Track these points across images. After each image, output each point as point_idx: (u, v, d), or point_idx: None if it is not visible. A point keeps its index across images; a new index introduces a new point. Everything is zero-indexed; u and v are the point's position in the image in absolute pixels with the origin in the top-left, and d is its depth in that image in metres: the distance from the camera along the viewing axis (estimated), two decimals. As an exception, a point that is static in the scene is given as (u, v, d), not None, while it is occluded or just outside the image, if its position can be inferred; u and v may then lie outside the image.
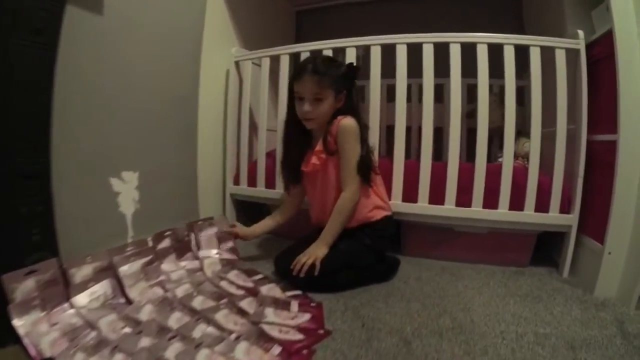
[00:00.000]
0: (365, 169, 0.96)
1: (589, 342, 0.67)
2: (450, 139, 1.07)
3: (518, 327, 0.74)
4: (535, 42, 1.06)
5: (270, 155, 1.38)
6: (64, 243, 0.74)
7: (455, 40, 1.09)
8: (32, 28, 0.64)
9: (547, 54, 1.06)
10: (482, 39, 1.08)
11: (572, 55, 1.04)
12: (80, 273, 0.76)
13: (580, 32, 1.03)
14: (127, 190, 0.90)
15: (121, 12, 0.87)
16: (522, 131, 1.32)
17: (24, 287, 0.65)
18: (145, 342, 0.62)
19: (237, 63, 1.42)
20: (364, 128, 0.99)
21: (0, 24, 0.60)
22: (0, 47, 0.60)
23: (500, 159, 1.25)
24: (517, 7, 1.76)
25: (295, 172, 1.04)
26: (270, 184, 1.34)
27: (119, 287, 0.80)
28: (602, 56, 1.00)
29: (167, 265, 0.94)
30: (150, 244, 0.94)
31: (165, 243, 0.98)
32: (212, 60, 1.33)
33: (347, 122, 0.94)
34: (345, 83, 0.97)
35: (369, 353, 0.63)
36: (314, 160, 0.99)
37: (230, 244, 1.10)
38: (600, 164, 0.99)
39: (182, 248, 1.01)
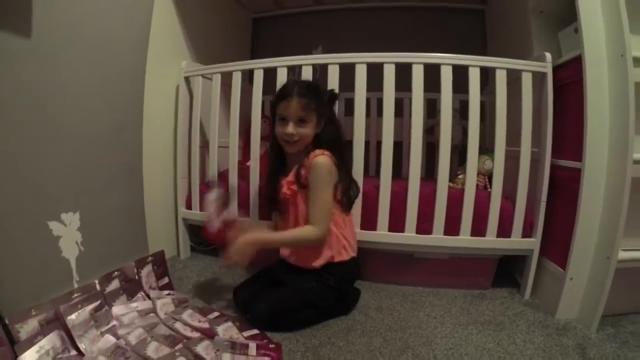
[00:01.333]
0: (345, 201, 1.09)
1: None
2: (410, 167, 1.22)
3: (477, 355, 0.90)
4: (501, 65, 1.21)
5: (222, 175, 1.49)
6: (5, 297, 0.82)
7: (418, 61, 1.23)
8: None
9: (513, 73, 1.23)
10: (447, 60, 1.21)
11: (538, 78, 1.21)
12: (26, 328, 0.84)
13: (548, 55, 1.19)
14: (68, 233, 0.98)
15: (51, 34, 0.92)
16: (482, 147, 1.49)
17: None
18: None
19: (187, 78, 1.49)
20: (344, 162, 1.11)
21: None
22: None
23: (460, 176, 1.42)
24: (481, 22, 1.99)
25: (272, 199, 1.16)
26: None
27: (69, 338, 0.90)
28: (569, 81, 1.15)
29: (117, 308, 1.04)
30: (98, 287, 1.03)
31: (114, 285, 1.07)
32: (159, 76, 1.40)
33: (321, 160, 1.03)
34: (326, 109, 1.10)
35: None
36: (285, 189, 1.09)
37: (172, 283, 1.20)
38: (564, 190, 1.16)
39: (132, 288, 1.10)
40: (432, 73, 1.23)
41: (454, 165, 1.58)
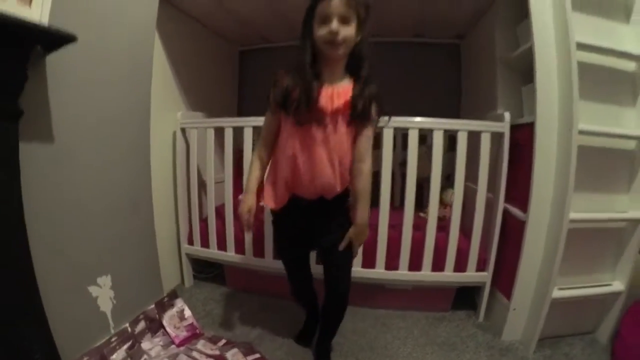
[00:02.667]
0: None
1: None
2: (380, 216, 1.59)
3: None
4: (463, 127, 1.55)
5: (219, 211, 1.83)
6: (61, 348, 1.17)
7: (389, 125, 1.55)
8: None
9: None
10: (415, 125, 1.54)
11: (497, 136, 1.53)
12: None
13: (507, 116, 1.51)
14: (103, 292, 1.33)
15: (70, 136, 1.20)
16: (452, 179, 1.85)
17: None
18: None
19: (182, 129, 1.80)
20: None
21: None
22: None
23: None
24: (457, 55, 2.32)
25: (311, 106, 1.05)
26: (221, 246, 1.81)
27: None
28: (522, 142, 1.48)
29: (145, 344, 1.42)
30: (129, 329, 1.40)
31: (141, 325, 1.45)
32: (158, 126, 1.68)
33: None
34: (365, 18, 1.05)
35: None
36: (337, 103, 1.06)
37: (190, 319, 1.57)
38: (512, 233, 1.51)
39: (154, 327, 1.48)
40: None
41: (425, 197, 1.94)
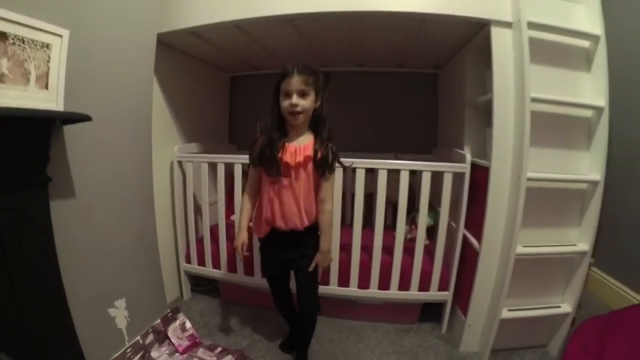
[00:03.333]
0: None
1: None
2: (353, 247, 1.91)
3: None
4: (427, 168, 1.84)
5: (213, 231, 2.16)
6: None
7: (360, 166, 1.85)
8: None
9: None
10: (383, 166, 1.84)
11: (459, 176, 1.82)
12: None
13: (468, 157, 1.79)
14: (120, 313, 1.67)
15: (86, 191, 1.50)
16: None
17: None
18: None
19: (179, 161, 2.10)
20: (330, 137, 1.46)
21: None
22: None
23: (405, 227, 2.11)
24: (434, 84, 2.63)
25: (276, 163, 1.39)
26: (216, 264, 2.15)
27: None
28: (481, 182, 1.76)
29: (154, 353, 1.77)
30: (140, 341, 1.75)
31: (150, 338, 1.79)
32: (157, 158, 1.98)
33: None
34: (321, 87, 1.41)
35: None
36: (299, 157, 1.40)
37: (190, 330, 1.92)
38: (470, 258, 1.82)
39: (161, 338, 1.83)
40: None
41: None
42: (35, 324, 1.29)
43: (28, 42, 1.23)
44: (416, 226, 2.09)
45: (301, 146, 1.43)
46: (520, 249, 1.62)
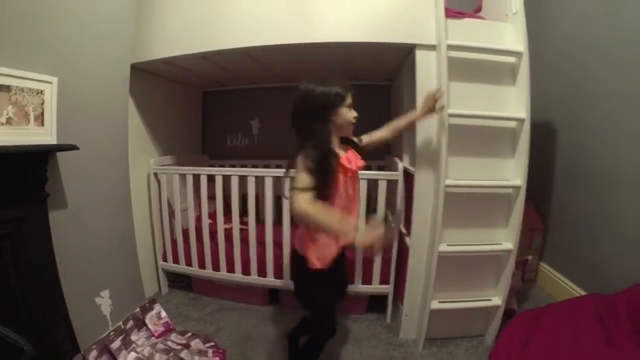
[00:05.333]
0: None
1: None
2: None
3: None
4: (363, 177, 2.37)
5: (185, 233, 2.78)
6: (80, 341, 2.14)
7: None
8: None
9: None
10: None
11: (393, 182, 2.40)
12: (92, 355, 2.19)
13: (401, 166, 2.35)
14: (105, 301, 2.30)
15: (77, 201, 2.14)
16: (369, 208, 2.73)
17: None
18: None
19: (155, 173, 2.72)
20: None
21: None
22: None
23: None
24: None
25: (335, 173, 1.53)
26: (188, 262, 2.78)
27: (113, 357, 2.25)
28: (412, 187, 2.25)
29: (134, 336, 2.40)
30: (122, 326, 2.38)
31: (130, 323, 2.42)
32: (135, 170, 2.61)
33: None
34: None
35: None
36: (359, 163, 1.63)
37: (165, 318, 2.55)
38: (405, 255, 2.34)
39: (139, 324, 2.46)
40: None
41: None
42: (36, 308, 1.89)
43: (26, 91, 1.84)
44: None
45: (347, 154, 1.63)
46: (443, 247, 2.08)
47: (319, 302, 1.75)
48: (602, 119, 2.49)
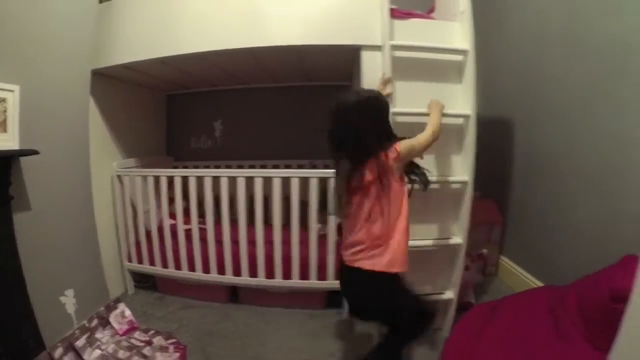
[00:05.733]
0: None
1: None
2: (257, 237, 2.82)
3: (290, 356, 2.39)
4: (295, 175, 2.69)
5: (149, 235, 3.08)
6: (45, 338, 2.44)
7: (276, 175, 2.73)
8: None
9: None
10: (276, 174, 2.72)
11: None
12: (57, 352, 2.50)
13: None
14: (69, 300, 2.57)
15: (40, 204, 2.40)
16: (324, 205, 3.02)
17: (42, 364, 2.39)
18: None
19: (118, 176, 3.03)
20: None
21: None
22: None
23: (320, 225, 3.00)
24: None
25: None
26: (151, 262, 3.04)
27: (77, 355, 2.56)
28: None
29: (98, 334, 2.68)
30: (87, 324, 2.68)
31: (95, 322, 2.72)
32: (101, 172, 2.85)
33: None
34: None
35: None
36: None
37: (129, 317, 2.86)
38: None
39: (104, 322, 2.76)
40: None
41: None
42: (3, 306, 2.09)
43: None
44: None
45: None
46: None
47: (409, 298, 1.91)
48: (556, 115, 2.75)
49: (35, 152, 2.20)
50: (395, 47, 2.24)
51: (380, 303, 1.84)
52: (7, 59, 2.17)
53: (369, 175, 1.71)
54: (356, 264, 1.78)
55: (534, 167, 3.04)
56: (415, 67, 2.31)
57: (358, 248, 1.78)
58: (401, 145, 1.76)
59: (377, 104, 1.80)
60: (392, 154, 1.73)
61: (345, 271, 1.89)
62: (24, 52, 2.27)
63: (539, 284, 2.84)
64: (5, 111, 2.15)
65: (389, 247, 1.74)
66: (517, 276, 3.16)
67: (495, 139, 3.51)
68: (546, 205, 2.89)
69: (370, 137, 1.72)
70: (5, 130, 2.16)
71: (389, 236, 1.74)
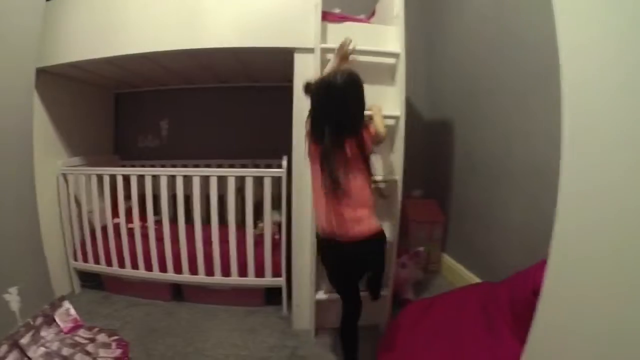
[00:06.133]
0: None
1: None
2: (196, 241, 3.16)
3: (229, 351, 2.68)
4: (249, 174, 3.00)
5: (93, 234, 3.40)
6: None
7: (212, 174, 3.06)
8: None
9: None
10: (214, 173, 3.01)
11: (277, 179, 2.98)
12: (2, 350, 2.82)
13: (284, 163, 2.91)
14: (13, 298, 2.86)
15: None
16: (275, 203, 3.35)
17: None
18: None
19: (63, 174, 3.31)
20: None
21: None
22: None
23: (260, 225, 3.34)
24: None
25: None
26: (96, 260, 3.33)
27: (21, 352, 2.90)
28: None
29: (43, 332, 2.99)
30: (31, 322, 3.00)
31: (40, 320, 3.02)
32: (45, 170, 3.06)
33: None
34: None
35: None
36: None
37: (74, 315, 3.20)
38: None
39: (49, 320, 3.08)
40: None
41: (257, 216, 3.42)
42: None
43: None
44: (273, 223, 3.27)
45: None
46: None
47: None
48: (495, 114, 3.06)
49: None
50: (326, 50, 2.46)
51: (383, 262, 2.33)
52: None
53: (353, 148, 2.05)
54: (367, 233, 2.08)
55: (471, 168, 3.37)
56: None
57: (362, 214, 2.10)
58: (374, 128, 2.22)
59: (360, 83, 2.08)
60: (367, 133, 2.15)
61: (352, 245, 2.10)
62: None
63: (478, 280, 3.18)
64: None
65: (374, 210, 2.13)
66: (458, 273, 3.50)
67: (438, 139, 3.84)
68: (482, 205, 3.22)
69: (359, 113, 2.11)
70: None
71: (372, 202, 2.12)
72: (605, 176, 1.15)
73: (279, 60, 2.94)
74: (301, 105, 2.54)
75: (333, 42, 2.40)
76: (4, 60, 2.70)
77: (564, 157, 1.29)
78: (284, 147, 2.91)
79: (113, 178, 3.19)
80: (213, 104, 4.18)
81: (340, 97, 2.01)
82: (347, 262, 2.16)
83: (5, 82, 2.72)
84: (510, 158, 2.86)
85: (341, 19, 2.67)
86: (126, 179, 3.15)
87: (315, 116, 2.10)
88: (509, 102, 2.88)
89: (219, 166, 3.89)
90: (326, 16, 2.56)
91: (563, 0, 1.30)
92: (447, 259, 3.72)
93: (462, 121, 3.52)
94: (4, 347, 2.64)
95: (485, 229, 3.21)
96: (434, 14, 3.88)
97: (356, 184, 2.05)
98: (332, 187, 2.00)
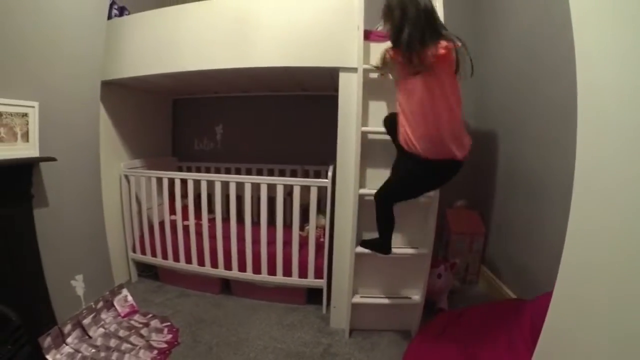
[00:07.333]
0: None
1: (301, 354, 2.88)
2: (246, 239, 3.43)
3: (268, 343, 2.97)
4: (297, 183, 3.24)
5: (150, 228, 3.75)
6: (58, 316, 3.14)
7: (247, 181, 3.35)
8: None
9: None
10: (264, 181, 3.29)
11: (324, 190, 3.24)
12: (67, 328, 3.19)
13: (329, 173, 3.16)
14: (79, 284, 3.24)
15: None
16: (320, 207, 3.60)
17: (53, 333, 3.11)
18: (101, 355, 3.12)
19: (125, 175, 3.69)
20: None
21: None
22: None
23: (307, 227, 3.58)
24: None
25: None
26: (154, 254, 3.71)
27: (83, 331, 3.26)
28: None
29: (103, 315, 3.37)
30: (93, 306, 3.37)
31: (100, 304, 3.39)
32: (110, 171, 3.50)
33: None
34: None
35: (203, 353, 3.09)
36: None
37: (130, 301, 3.54)
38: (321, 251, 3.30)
39: (108, 305, 3.44)
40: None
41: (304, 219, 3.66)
42: (21, 288, 2.72)
43: (14, 115, 2.71)
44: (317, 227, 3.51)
45: None
46: (359, 249, 2.75)
47: None
48: (535, 129, 3.12)
49: (52, 159, 2.82)
50: (368, 70, 2.62)
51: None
52: (28, 80, 2.77)
53: (436, 56, 2.10)
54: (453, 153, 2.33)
55: (516, 178, 3.44)
56: (386, 88, 2.64)
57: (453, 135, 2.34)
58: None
59: None
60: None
61: (434, 163, 2.30)
62: (42, 73, 2.86)
63: (512, 295, 3.27)
64: (27, 124, 2.76)
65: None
66: (494, 287, 3.58)
67: (483, 150, 3.94)
68: (521, 220, 3.28)
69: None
70: (27, 141, 2.78)
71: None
72: (614, 180, 1.25)
73: (326, 75, 3.13)
74: (344, 122, 2.82)
75: (376, 61, 2.51)
76: (76, 76, 3.15)
77: (578, 163, 1.45)
78: (332, 154, 3.03)
79: (171, 180, 3.55)
80: (265, 111, 4.51)
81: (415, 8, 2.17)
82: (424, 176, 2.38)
83: (77, 95, 3.16)
84: (549, 176, 2.90)
85: (382, 37, 2.81)
86: (183, 180, 3.48)
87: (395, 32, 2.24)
88: (550, 118, 2.91)
89: (270, 170, 4.32)
90: (369, 35, 2.68)
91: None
92: (486, 271, 3.80)
93: (505, 134, 3.61)
94: (69, 326, 3.06)
95: (522, 245, 3.27)
96: (478, 28, 3.99)
97: (442, 101, 2.25)
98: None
